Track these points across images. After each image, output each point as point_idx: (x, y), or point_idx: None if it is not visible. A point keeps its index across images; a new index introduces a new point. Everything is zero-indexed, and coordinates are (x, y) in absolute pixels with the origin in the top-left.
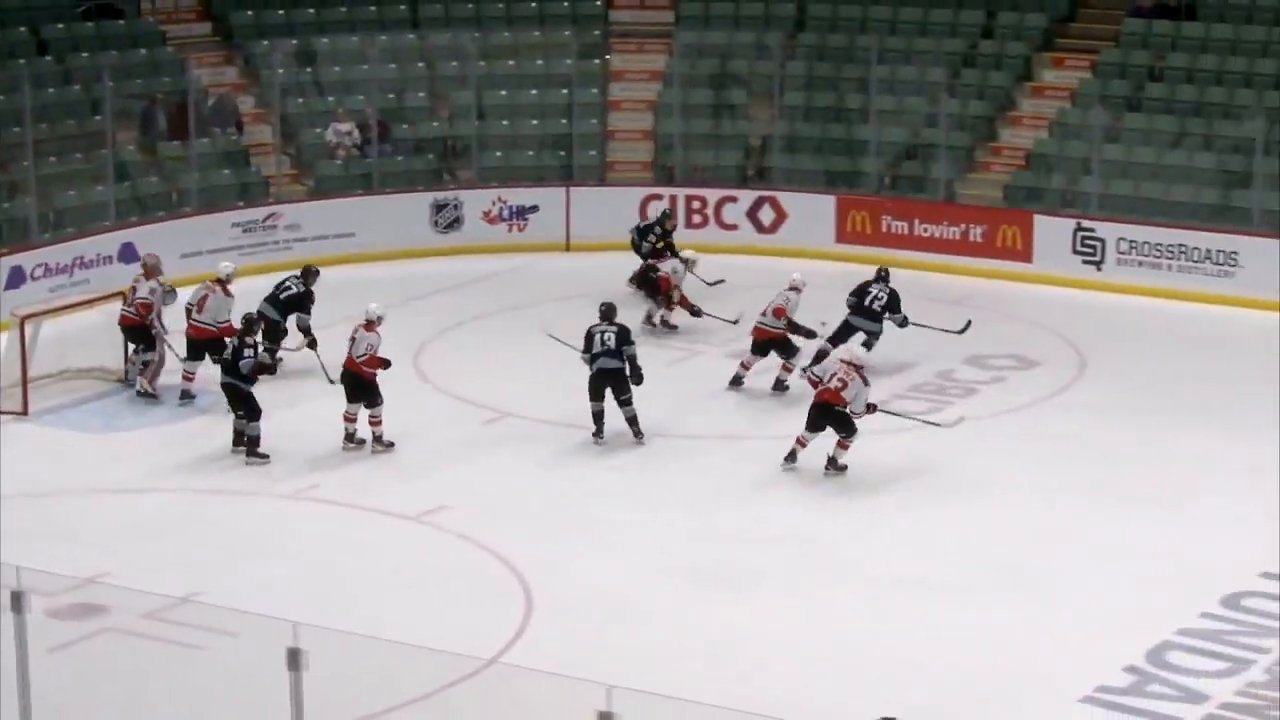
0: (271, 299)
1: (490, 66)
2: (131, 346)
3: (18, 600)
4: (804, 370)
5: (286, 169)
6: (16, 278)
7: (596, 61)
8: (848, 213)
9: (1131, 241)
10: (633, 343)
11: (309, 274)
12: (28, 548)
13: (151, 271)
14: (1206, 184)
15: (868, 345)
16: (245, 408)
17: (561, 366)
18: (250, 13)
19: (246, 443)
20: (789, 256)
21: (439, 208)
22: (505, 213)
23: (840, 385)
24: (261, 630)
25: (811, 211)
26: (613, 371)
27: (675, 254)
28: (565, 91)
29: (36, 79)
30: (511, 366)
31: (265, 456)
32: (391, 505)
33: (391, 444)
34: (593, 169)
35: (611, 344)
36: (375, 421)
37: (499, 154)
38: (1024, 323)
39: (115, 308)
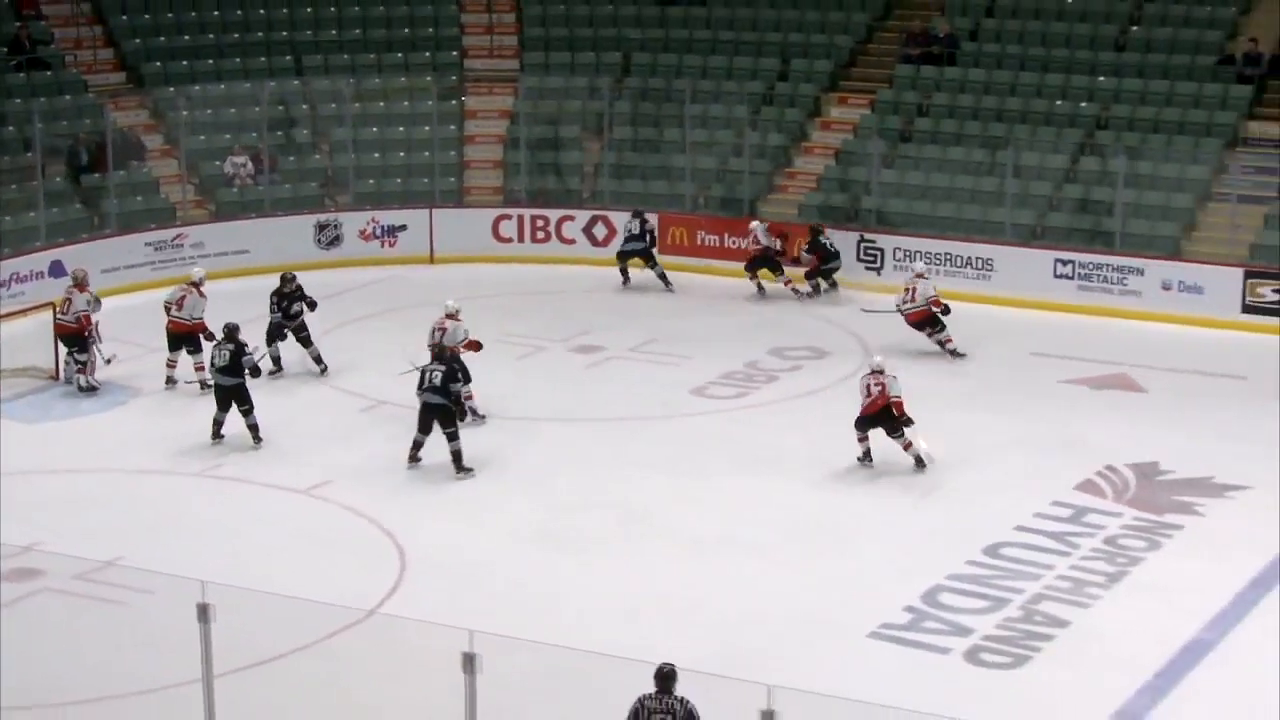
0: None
1: (364, 107)
2: (65, 350)
3: None
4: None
5: (191, 196)
6: None
7: (454, 103)
8: (668, 228)
9: (905, 250)
10: (459, 380)
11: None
12: None
13: (82, 284)
14: (967, 201)
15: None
16: (247, 401)
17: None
18: (158, 64)
19: (251, 429)
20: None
21: (321, 227)
22: (378, 231)
23: (880, 390)
24: (175, 588)
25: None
26: (438, 406)
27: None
28: (427, 128)
29: None
30: (385, 361)
31: (261, 439)
32: (284, 480)
33: (484, 416)
34: (452, 193)
35: (438, 382)
36: (468, 396)
37: (372, 181)
38: (818, 319)
39: (46, 317)
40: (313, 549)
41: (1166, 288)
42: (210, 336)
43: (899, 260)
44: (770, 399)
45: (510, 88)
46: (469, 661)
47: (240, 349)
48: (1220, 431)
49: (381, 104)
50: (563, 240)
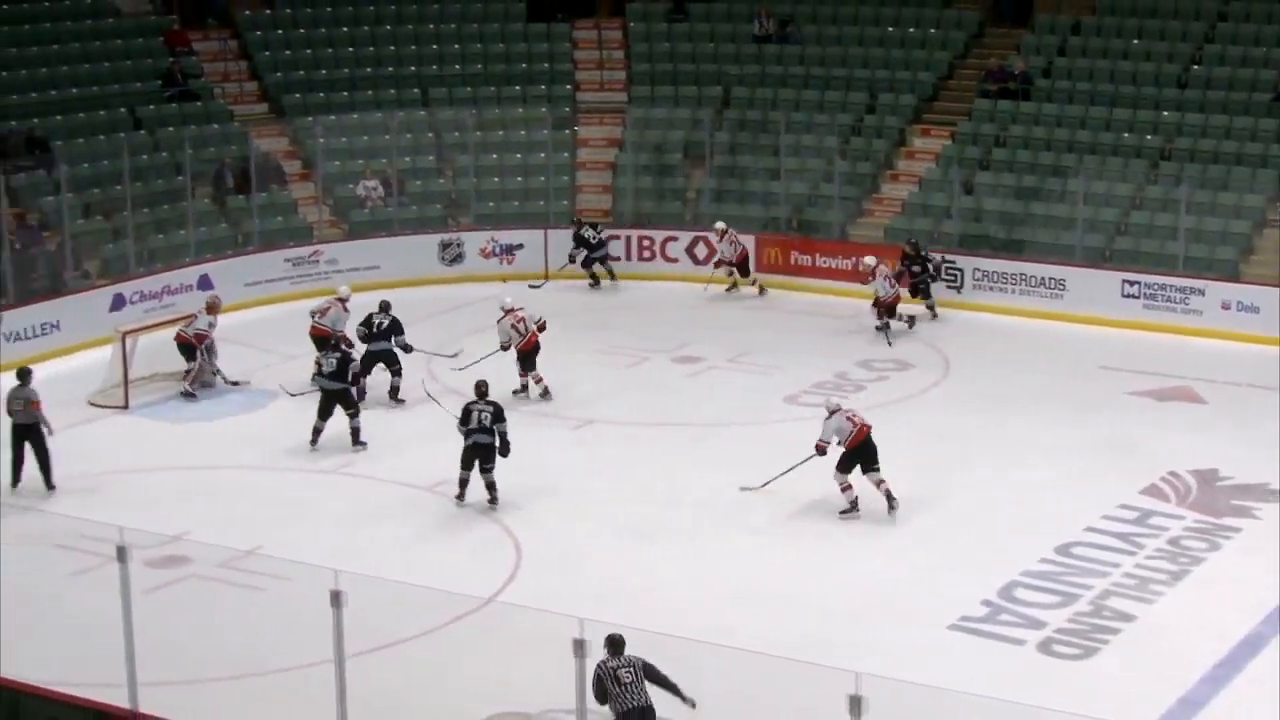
0: (369, 336)
1: (484, 136)
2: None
3: (122, 553)
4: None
5: (326, 216)
6: (118, 302)
7: (567, 132)
8: (764, 249)
9: (984, 271)
10: (504, 420)
11: (387, 305)
12: (128, 513)
13: (212, 309)
14: (1040, 226)
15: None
16: (353, 405)
17: (545, 369)
18: (298, 95)
19: (353, 431)
20: (719, 282)
21: (445, 245)
22: (497, 249)
23: (861, 422)
24: (310, 576)
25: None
26: (485, 446)
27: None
28: (543, 155)
29: (133, 148)
30: (506, 368)
31: (365, 443)
32: (409, 478)
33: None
34: (565, 214)
35: (487, 421)
36: (539, 380)
37: (491, 204)
38: (903, 336)
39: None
40: (436, 541)
41: (1225, 307)
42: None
43: (977, 280)
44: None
45: (619, 118)
46: (579, 647)
47: (347, 357)
48: (1275, 440)
49: (501, 132)
50: (666, 259)
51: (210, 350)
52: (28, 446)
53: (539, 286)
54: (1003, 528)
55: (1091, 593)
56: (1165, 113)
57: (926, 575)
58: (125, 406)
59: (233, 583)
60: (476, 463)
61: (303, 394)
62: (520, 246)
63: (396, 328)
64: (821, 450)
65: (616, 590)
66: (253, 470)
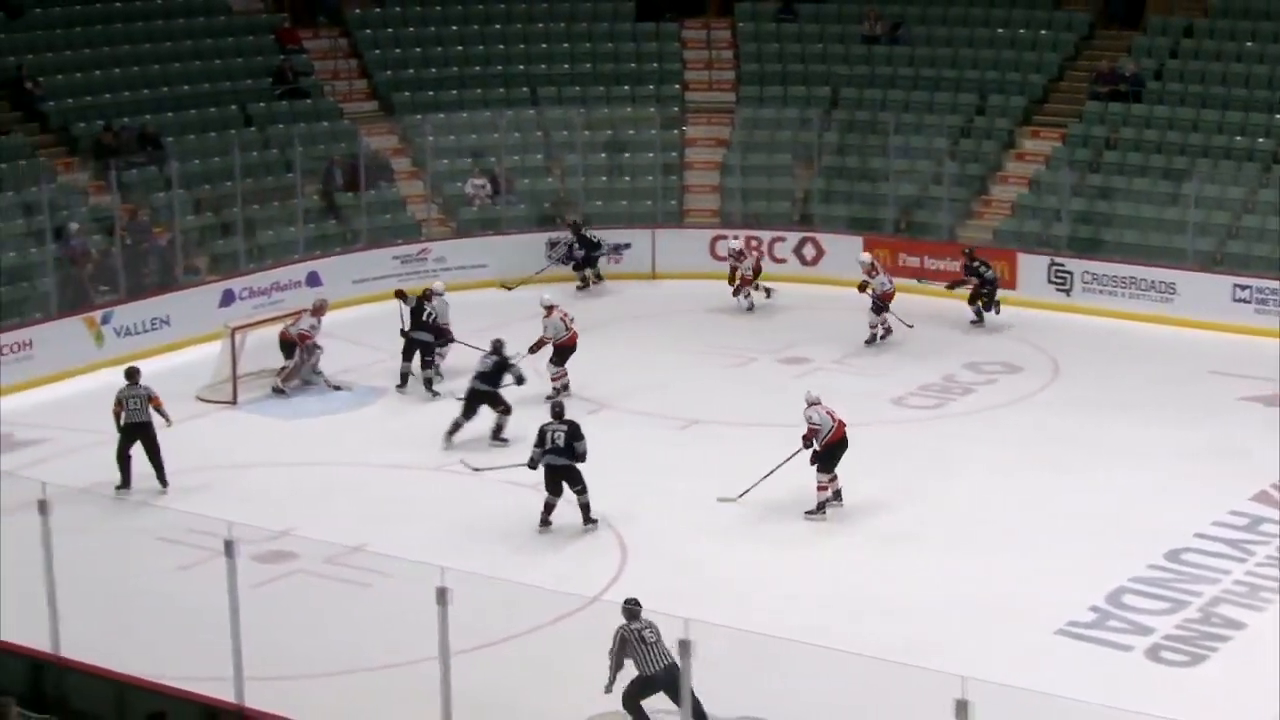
0: (417, 325)
1: (592, 135)
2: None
3: (230, 548)
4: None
5: (434, 214)
6: (228, 298)
7: (675, 131)
8: (872, 250)
9: (1093, 274)
10: (582, 438)
11: (426, 296)
12: (236, 508)
13: (317, 311)
14: (1151, 229)
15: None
16: (502, 403)
17: (649, 367)
18: (407, 93)
19: (497, 428)
20: (826, 284)
21: (552, 244)
22: (606, 248)
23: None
24: (416, 573)
25: (844, 248)
26: (561, 468)
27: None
28: (651, 155)
29: (244, 145)
30: (609, 367)
31: (507, 440)
32: (515, 476)
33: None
34: (673, 214)
35: (561, 442)
36: (562, 375)
37: (599, 203)
38: (1011, 338)
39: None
40: (541, 539)
41: None
42: (445, 338)
43: (1087, 283)
44: (965, 410)
45: (727, 118)
46: (685, 648)
47: (505, 362)
48: None
49: (609, 132)
50: (774, 259)
51: (311, 351)
52: (137, 446)
53: (511, 289)
54: (1111, 533)
55: (1201, 599)
56: (1278, 115)
57: (1034, 579)
58: (234, 402)
59: (339, 579)
60: (564, 487)
61: (486, 467)
62: (628, 246)
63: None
64: (808, 442)
65: (721, 590)
66: (360, 467)
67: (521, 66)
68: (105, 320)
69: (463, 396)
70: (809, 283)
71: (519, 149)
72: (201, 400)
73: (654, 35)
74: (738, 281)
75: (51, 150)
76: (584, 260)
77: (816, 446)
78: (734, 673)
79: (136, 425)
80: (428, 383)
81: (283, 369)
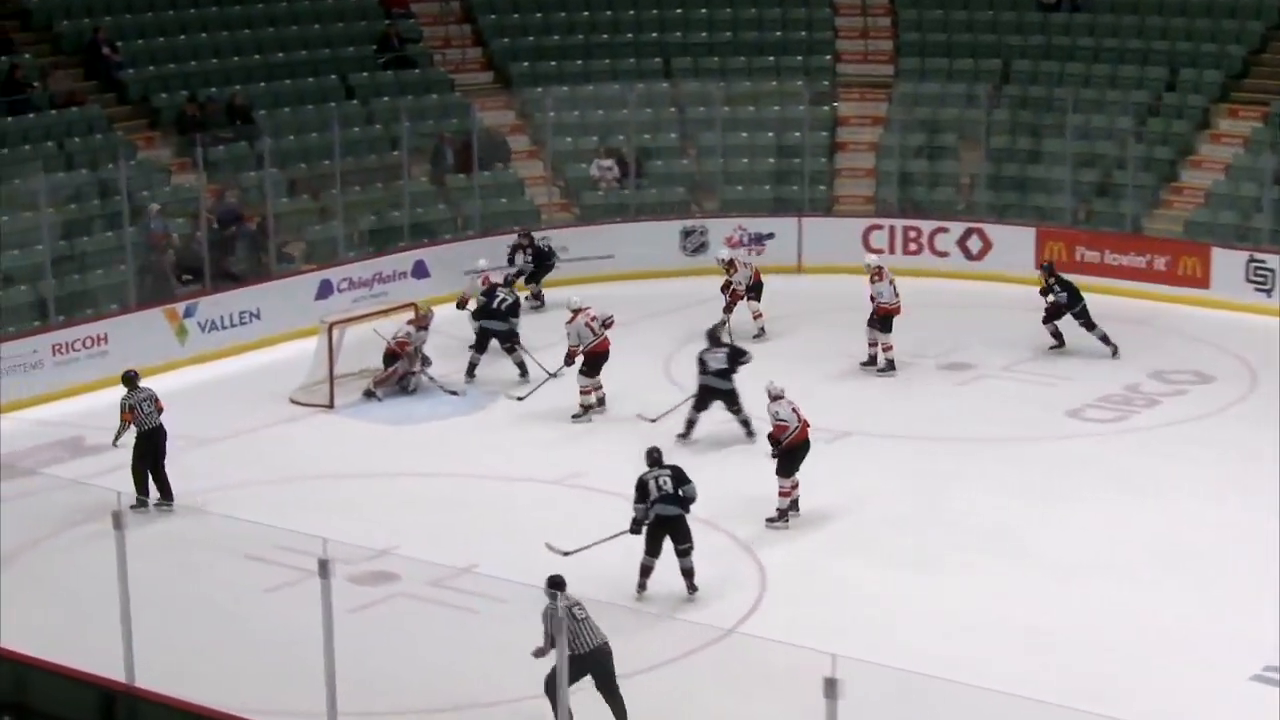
0: (489, 314)
1: (733, 112)
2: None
3: (324, 567)
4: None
5: (555, 199)
6: (325, 289)
7: (825, 108)
8: (1046, 243)
9: None
10: (689, 480)
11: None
12: (331, 522)
13: (420, 322)
14: None
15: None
16: (737, 402)
17: (796, 373)
18: (526, 64)
19: (744, 423)
20: (994, 281)
21: (687, 234)
22: (745, 239)
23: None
24: (530, 598)
25: (1014, 241)
26: (672, 518)
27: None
28: (798, 134)
29: (344, 119)
30: (746, 371)
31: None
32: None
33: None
34: (821, 201)
35: (668, 487)
36: (598, 388)
37: (739, 188)
38: (1202, 343)
39: (406, 317)
40: (671, 564)
41: None
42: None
43: None
44: (1150, 424)
45: (884, 94)
46: (830, 687)
47: (737, 352)
48: None
49: (751, 108)
50: (935, 253)
51: (415, 360)
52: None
53: (465, 307)
54: None
55: None
56: None
57: (1222, 618)
58: (330, 405)
59: (444, 604)
60: (668, 543)
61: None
62: (771, 236)
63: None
64: (775, 441)
65: (872, 622)
66: (470, 479)
67: (654, 34)
68: (188, 313)
69: (695, 395)
70: (974, 279)
71: (650, 126)
72: (295, 403)
73: (803, 0)
74: (728, 297)
75: (130, 124)
76: (532, 275)
77: (780, 444)
78: (887, 715)
79: (153, 431)
80: (521, 366)
81: (381, 371)
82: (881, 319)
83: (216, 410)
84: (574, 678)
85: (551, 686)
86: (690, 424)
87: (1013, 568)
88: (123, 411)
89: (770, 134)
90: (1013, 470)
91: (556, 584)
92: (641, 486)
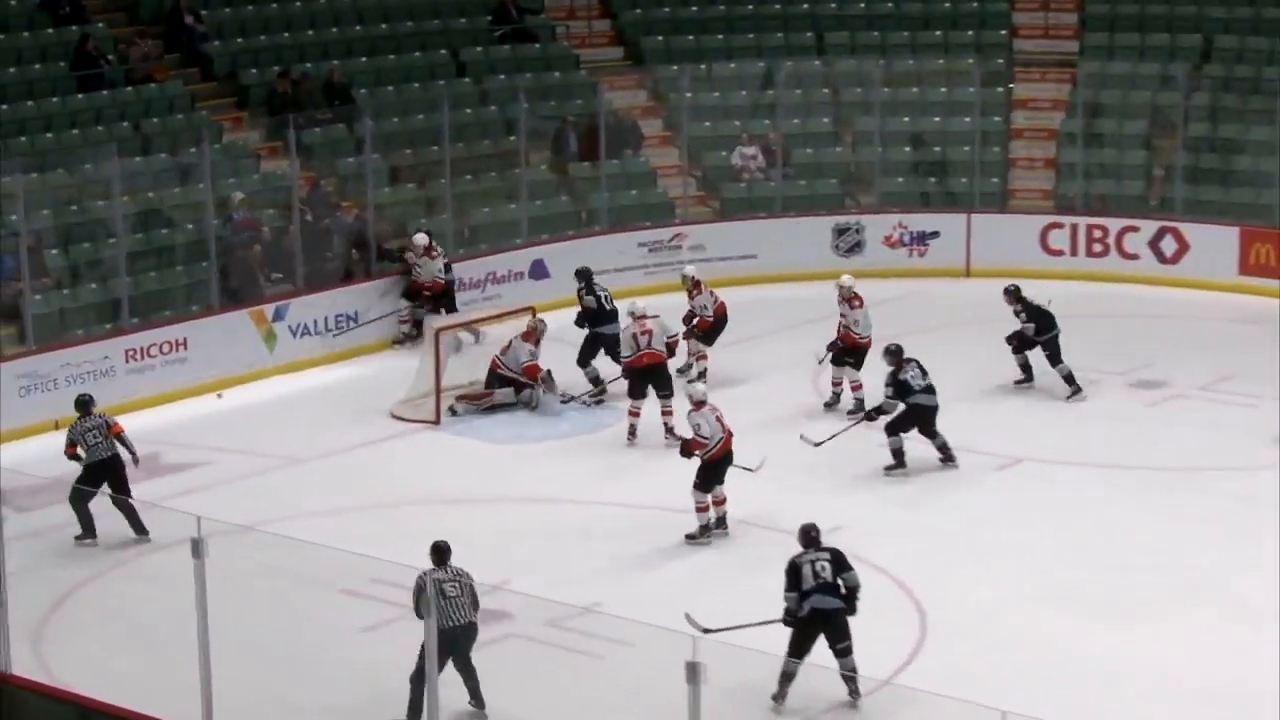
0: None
1: (894, 93)
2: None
3: (427, 605)
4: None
5: (692, 191)
6: None
7: (1000, 90)
8: (1251, 245)
9: None
10: (851, 568)
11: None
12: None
13: (532, 336)
14: None
15: None
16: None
17: (960, 390)
18: (660, 38)
19: (943, 449)
20: (1191, 288)
21: (840, 231)
22: (906, 238)
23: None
24: (660, 642)
25: (1214, 243)
26: (832, 613)
27: None
28: (968, 119)
29: (454, 100)
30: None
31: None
32: (789, 524)
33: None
34: (994, 196)
35: (828, 575)
36: (668, 412)
37: (900, 180)
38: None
39: (522, 323)
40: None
41: None
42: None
43: None
44: None
45: (1067, 74)
46: None
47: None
48: None
49: (915, 89)
50: (1123, 255)
51: (546, 383)
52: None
53: (402, 342)
54: None
55: None
56: None
57: None
58: (436, 421)
59: (563, 646)
60: (823, 640)
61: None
62: (936, 235)
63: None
64: (688, 453)
65: (1043, 673)
66: (591, 506)
67: (805, 5)
68: (278, 316)
69: (897, 417)
70: (1168, 285)
71: (800, 110)
72: (397, 418)
73: None
74: (693, 322)
75: (215, 103)
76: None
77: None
78: None
79: (103, 463)
80: (595, 381)
81: (477, 390)
82: (854, 353)
83: (307, 426)
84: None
85: (418, 673)
86: (900, 453)
87: (1204, 616)
88: (66, 445)
89: (936, 119)
90: (1210, 504)
91: (440, 551)
92: (794, 572)
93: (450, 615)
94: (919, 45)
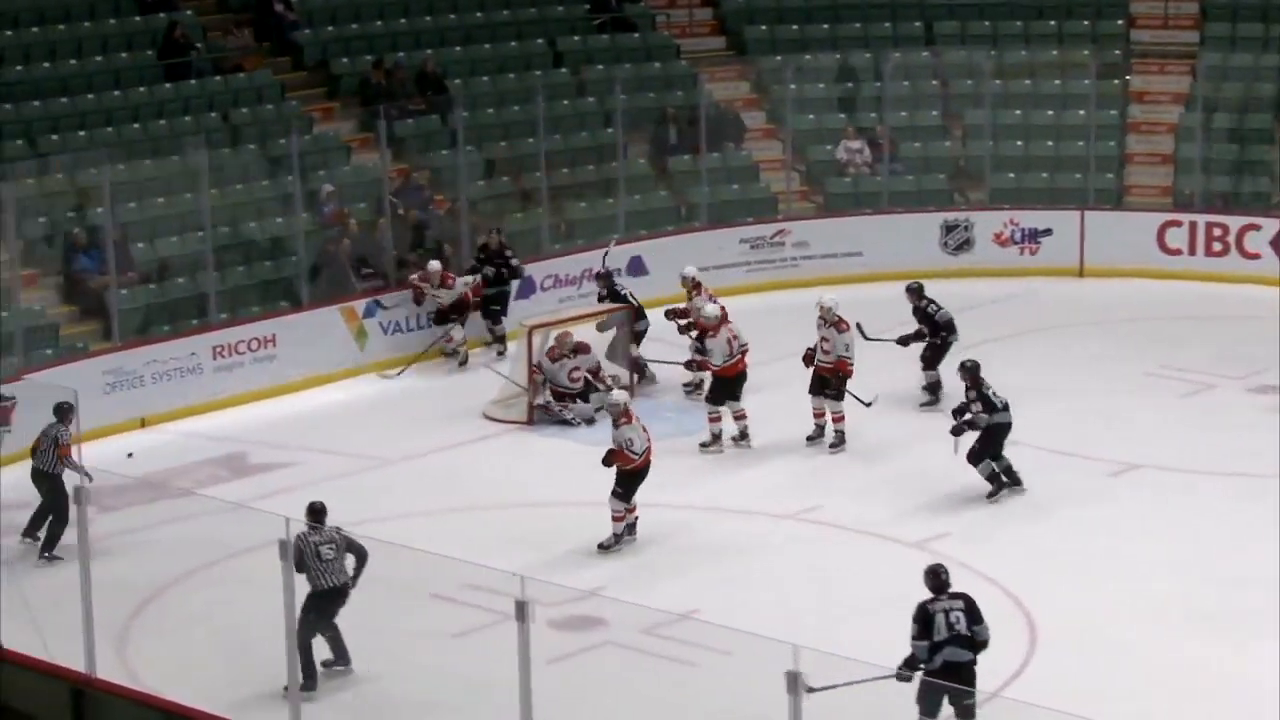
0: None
1: (1006, 85)
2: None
3: (522, 610)
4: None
5: (796, 186)
6: (527, 288)
7: (1116, 82)
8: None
9: None
10: (983, 619)
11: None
12: (528, 558)
13: (555, 349)
14: None
15: None
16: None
17: (1073, 394)
18: (764, 27)
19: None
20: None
21: (949, 228)
22: (1017, 235)
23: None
24: (760, 651)
25: None
26: (963, 666)
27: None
28: (1082, 112)
29: (551, 91)
30: (1018, 391)
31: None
32: (889, 529)
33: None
34: (1109, 193)
35: (962, 626)
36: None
37: (1012, 175)
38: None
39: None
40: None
41: None
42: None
43: None
44: None
45: (1187, 65)
46: None
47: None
48: None
49: (1028, 81)
50: (1245, 254)
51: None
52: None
53: (394, 376)
54: None
55: None
56: None
57: None
58: (530, 422)
59: (660, 655)
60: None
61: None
62: (1048, 233)
63: None
64: (610, 462)
65: (1160, 691)
66: (688, 510)
67: None
68: (369, 313)
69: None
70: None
71: (908, 103)
72: (488, 419)
73: None
74: (687, 320)
75: (306, 93)
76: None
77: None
78: None
79: (39, 473)
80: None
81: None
82: (835, 381)
83: (397, 426)
84: (315, 617)
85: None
86: (996, 476)
87: None
88: (60, 446)
89: (1050, 112)
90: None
91: (318, 513)
92: (925, 619)
93: (325, 577)
94: (1032, 35)
